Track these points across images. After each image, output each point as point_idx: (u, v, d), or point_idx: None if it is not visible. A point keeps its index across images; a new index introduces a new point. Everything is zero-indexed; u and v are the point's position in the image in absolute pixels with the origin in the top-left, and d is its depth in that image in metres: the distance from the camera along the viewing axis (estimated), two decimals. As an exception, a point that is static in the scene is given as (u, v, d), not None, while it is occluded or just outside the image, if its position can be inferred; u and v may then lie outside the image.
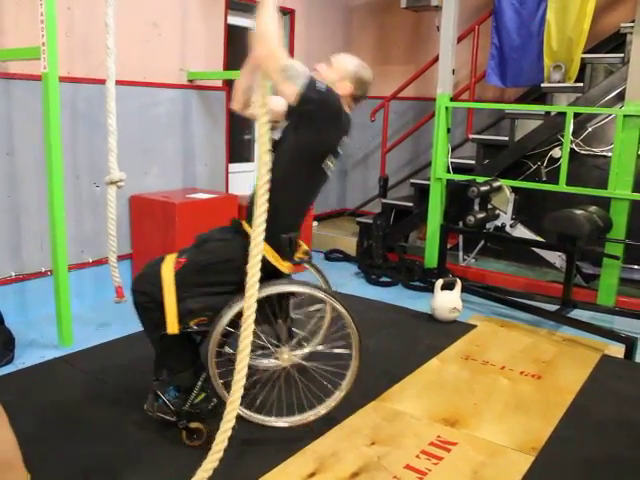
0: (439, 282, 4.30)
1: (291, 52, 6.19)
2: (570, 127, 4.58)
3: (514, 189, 4.82)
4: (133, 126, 4.48)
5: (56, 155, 3.36)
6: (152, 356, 2.66)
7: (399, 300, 4.77)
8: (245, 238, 2.33)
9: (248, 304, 2.14)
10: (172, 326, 2.40)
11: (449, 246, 5.12)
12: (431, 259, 5.29)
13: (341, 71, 2.58)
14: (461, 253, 5.63)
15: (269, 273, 2.43)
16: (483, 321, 4.34)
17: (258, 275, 2.15)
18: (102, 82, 3.69)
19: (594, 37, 5.16)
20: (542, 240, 4.72)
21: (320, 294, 2.61)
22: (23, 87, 3.80)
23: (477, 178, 4.90)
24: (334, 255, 6.01)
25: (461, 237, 5.59)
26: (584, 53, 4.90)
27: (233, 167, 5.65)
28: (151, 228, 4.45)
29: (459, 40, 5.34)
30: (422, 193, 5.70)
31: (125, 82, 4.24)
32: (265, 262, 2.26)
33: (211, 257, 2.50)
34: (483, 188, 4.58)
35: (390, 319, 4.32)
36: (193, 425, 2.53)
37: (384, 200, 6.01)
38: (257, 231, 2.16)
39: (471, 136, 5.64)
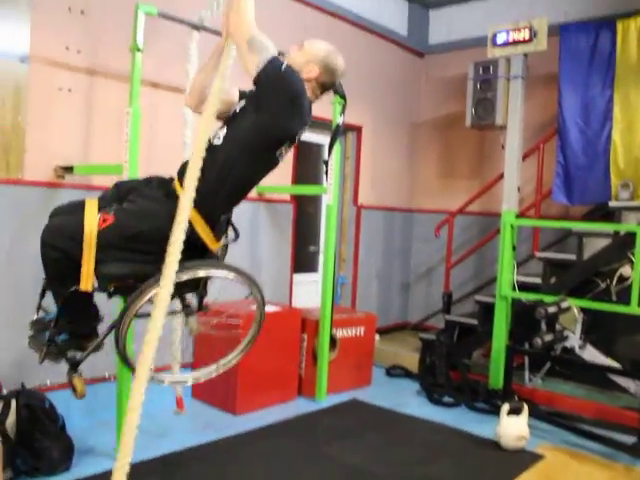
0: (505, 407, 4.11)
1: (357, 167, 6.38)
2: (641, 247, 4.47)
3: (583, 308, 4.66)
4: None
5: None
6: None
7: (462, 423, 4.56)
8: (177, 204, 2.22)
9: (165, 282, 2.12)
10: (86, 284, 2.26)
11: (514, 364, 4.94)
12: (496, 379, 5.09)
13: (309, 55, 2.47)
14: (527, 373, 5.40)
15: (195, 248, 2.31)
16: (551, 451, 4.08)
17: (180, 249, 2.12)
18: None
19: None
20: (615, 365, 4.50)
21: (247, 279, 2.56)
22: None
23: (544, 297, 4.78)
24: (396, 371, 5.87)
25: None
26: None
27: (297, 277, 5.71)
28: (215, 339, 4.47)
29: (524, 158, 5.40)
30: (487, 310, 5.58)
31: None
32: (194, 235, 2.22)
33: (142, 224, 2.30)
34: (551, 309, 4.45)
35: (453, 444, 4.12)
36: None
37: (448, 317, 5.91)
38: (186, 197, 2.11)
39: (537, 254, 5.55)
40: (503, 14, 6.40)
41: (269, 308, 4.66)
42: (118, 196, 2.45)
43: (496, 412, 4.21)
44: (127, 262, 2.31)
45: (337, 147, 4.74)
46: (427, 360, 5.67)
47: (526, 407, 4.14)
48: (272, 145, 2.34)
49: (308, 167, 5.79)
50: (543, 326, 4.58)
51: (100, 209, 2.31)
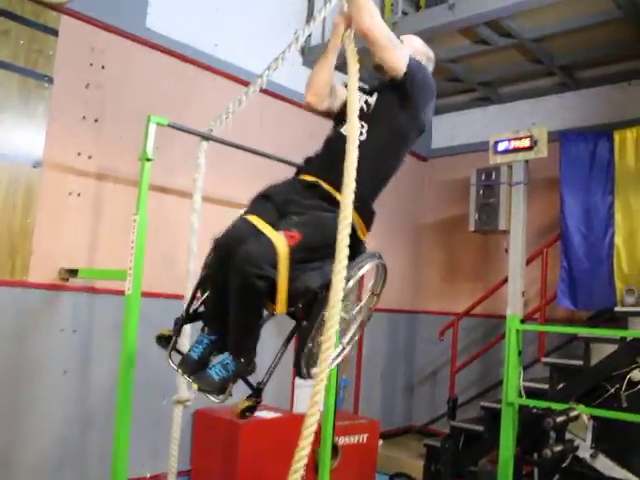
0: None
1: (361, 268, 6.39)
2: (650, 353, 4.41)
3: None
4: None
5: (127, 370, 3.41)
6: None
7: (471, 539, 4.35)
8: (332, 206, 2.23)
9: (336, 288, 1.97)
10: (282, 306, 2.20)
11: (523, 472, 4.76)
12: (505, 490, 4.89)
13: (412, 47, 2.65)
14: (537, 484, 5.20)
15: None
16: None
17: (347, 250, 2.01)
18: (180, 297, 3.84)
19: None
20: (631, 478, 4.32)
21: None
22: (105, 300, 4.02)
23: (552, 404, 4.66)
24: (400, 479, 5.65)
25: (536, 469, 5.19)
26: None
27: (299, 380, 5.60)
28: (214, 446, 4.36)
29: (528, 262, 5.39)
30: (493, 416, 5.42)
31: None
32: (354, 235, 2.14)
33: (323, 233, 2.25)
34: (559, 419, 4.31)
35: None
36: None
37: (453, 422, 5.75)
38: (347, 201, 2.04)
39: (543, 359, 5.46)
40: (504, 120, 6.63)
41: (268, 415, 4.56)
42: (277, 209, 2.39)
43: (506, 529, 4.01)
44: (313, 271, 2.27)
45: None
46: (432, 468, 5.47)
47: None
48: (418, 135, 2.55)
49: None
50: (552, 436, 4.45)
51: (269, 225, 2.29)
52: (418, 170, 7.19)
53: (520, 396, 5.05)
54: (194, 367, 2.34)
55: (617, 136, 5.10)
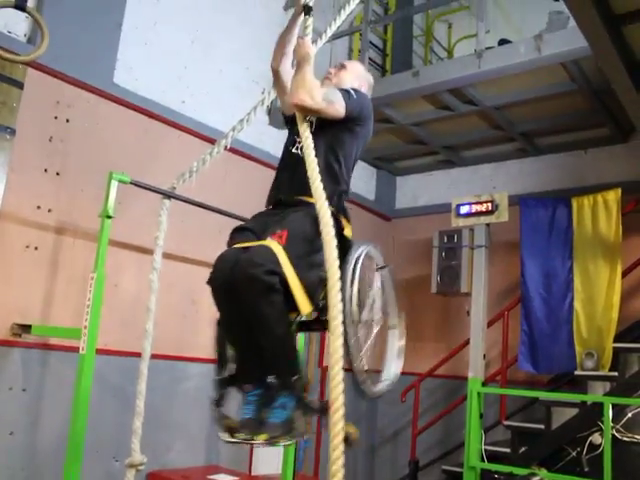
0: None
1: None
2: (609, 416, 4.41)
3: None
4: (161, 400, 4.45)
5: (78, 431, 3.28)
6: None
7: None
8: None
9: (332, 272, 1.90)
10: (305, 304, 2.13)
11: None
12: None
13: (356, 72, 2.86)
14: None
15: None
16: None
17: (335, 242, 1.96)
18: (137, 355, 3.73)
19: (625, 320, 5.20)
20: None
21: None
22: (59, 358, 3.90)
23: (514, 469, 4.62)
24: None
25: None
26: (616, 341, 4.91)
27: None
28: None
29: (489, 325, 5.43)
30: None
31: (159, 356, 4.30)
32: (337, 227, 2.13)
33: (309, 227, 2.26)
34: (521, 485, 4.29)
35: None
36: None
37: (414, 486, 5.65)
38: (321, 199, 2.07)
39: (505, 422, 5.44)
40: (466, 183, 6.77)
41: (225, 479, 4.41)
42: (256, 235, 2.38)
43: None
44: (317, 266, 2.21)
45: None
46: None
47: None
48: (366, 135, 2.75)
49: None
50: (514, 503, 4.39)
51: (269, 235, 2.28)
52: (382, 230, 7.24)
53: (482, 460, 5.01)
54: (255, 425, 2.19)
55: (575, 203, 5.24)
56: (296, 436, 2.21)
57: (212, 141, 3.53)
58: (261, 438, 2.14)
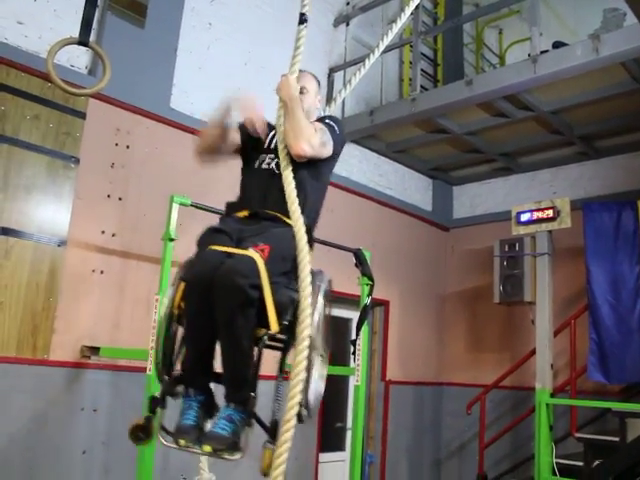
0: None
1: (385, 341, 6.32)
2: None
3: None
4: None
5: (148, 452, 3.35)
6: None
7: None
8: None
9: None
10: (275, 322, 2.12)
11: None
12: None
13: (314, 91, 2.75)
14: None
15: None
16: None
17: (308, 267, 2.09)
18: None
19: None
20: None
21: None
22: (127, 378, 3.98)
23: (588, 485, 4.47)
24: None
25: None
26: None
27: (324, 457, 5.45)
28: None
29: (555, 334, 5.28)
30: (526, 495, 5.22)
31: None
32: None
33: (291, 246, 2.21)
34: (597, 501, 4.14)
35: None
36: None
37: (484, 501, 5.53)
38: (298, 223, 2.18)
39: (577, 434, 5.26)
40: (525, 190, 6.64)
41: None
42: (231, 238, 2.35)
43: None
44: (288, 287, 2.25)
45: (365, 325, 4.70)
46: None
47: None
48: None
49: (335, 341, 5.70)
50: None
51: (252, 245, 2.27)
52: (440, 240, 7.17)
53: (553, 474, 4.86)
54: (195, 434, 2.15)
55: (641, 205, 5.07)
56: (240, 452, 2.13)
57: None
58: (205, 449, 2.10)
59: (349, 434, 5.54)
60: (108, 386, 3.97)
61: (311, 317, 2.06)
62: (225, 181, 4.68)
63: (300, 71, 2.63)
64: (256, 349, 2.17)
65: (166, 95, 4.60)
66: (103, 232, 4.10)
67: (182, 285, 2.28)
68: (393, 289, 6.38)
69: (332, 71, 6.03)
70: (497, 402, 6.39)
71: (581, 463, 5.13)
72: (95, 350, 3.88)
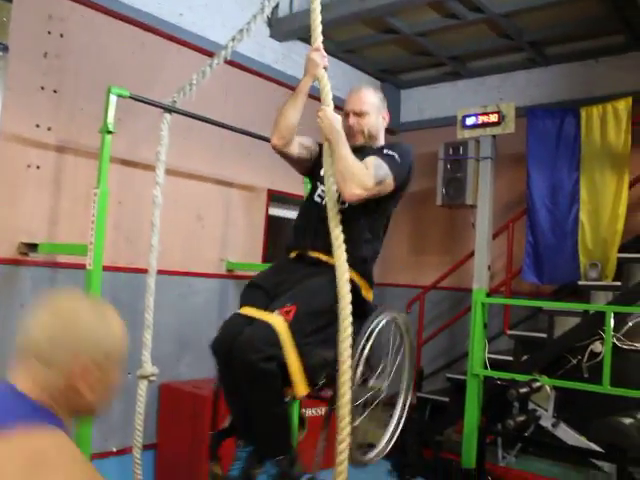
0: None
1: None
2: (611, 325, 4.48)
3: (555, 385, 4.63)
4: (170, 314, 4.54)
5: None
6: None
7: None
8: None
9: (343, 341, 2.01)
10: (302, 387, 2.11)
11: (487, 439, 4.85)
12: (468, 458, 4.96)
13: (375, 108, 2.58)
14: (500, 451, 5.30)
15: (356, 306, 2.17)
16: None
17: (349, 307, 2.06)
18: (144, 271, 3.77)
19: (630, 231, 5.21)
20: (588, 446, 4.43)
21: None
22: (67, 274, 3.95)
23: (516, 376, 4.74)
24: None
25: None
26: (620, 252, 4.94)
27: None
28: (179, 418, 4.34)
29: (494, 236, 5.44)
30: (459, 387, 5.51)
31: (167, 272, 4.35)
32: (356, 294, 2.14)
33: (324, 298, 2.21)
34: (522, 390, 4.40)
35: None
36: None
37: (419, 393, 5.83)
38: (341, 268, 2.09)
39: (509, 332, 5.54)
40: (472, 95, 6.61)
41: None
42: (267, 294, 2.35)
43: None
44: (327, 342, 2.21)
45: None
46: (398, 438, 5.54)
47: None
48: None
49: (279, 243, 5.77)
50: (515, 406, 4.54)
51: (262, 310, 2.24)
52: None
53: (485, 368, 5.13)
54: None
55: (584, 112, 5.12)
56: None
57: (211, 55, 3.42)
58: None
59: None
60: (47, 282, 3.92)
61: (351, 380, 2.01)
62: (165, 74, 4.55)
63: (352, 91, 2.56)
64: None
65: (102, -19, 4.32)
66: (38, 126, 3.93)
67: None
68: (339, 192, 6.39)
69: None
70: (436, 302, 6.63)
71: (511, 358, 5.44)
72: (33, 247, 3.81)
